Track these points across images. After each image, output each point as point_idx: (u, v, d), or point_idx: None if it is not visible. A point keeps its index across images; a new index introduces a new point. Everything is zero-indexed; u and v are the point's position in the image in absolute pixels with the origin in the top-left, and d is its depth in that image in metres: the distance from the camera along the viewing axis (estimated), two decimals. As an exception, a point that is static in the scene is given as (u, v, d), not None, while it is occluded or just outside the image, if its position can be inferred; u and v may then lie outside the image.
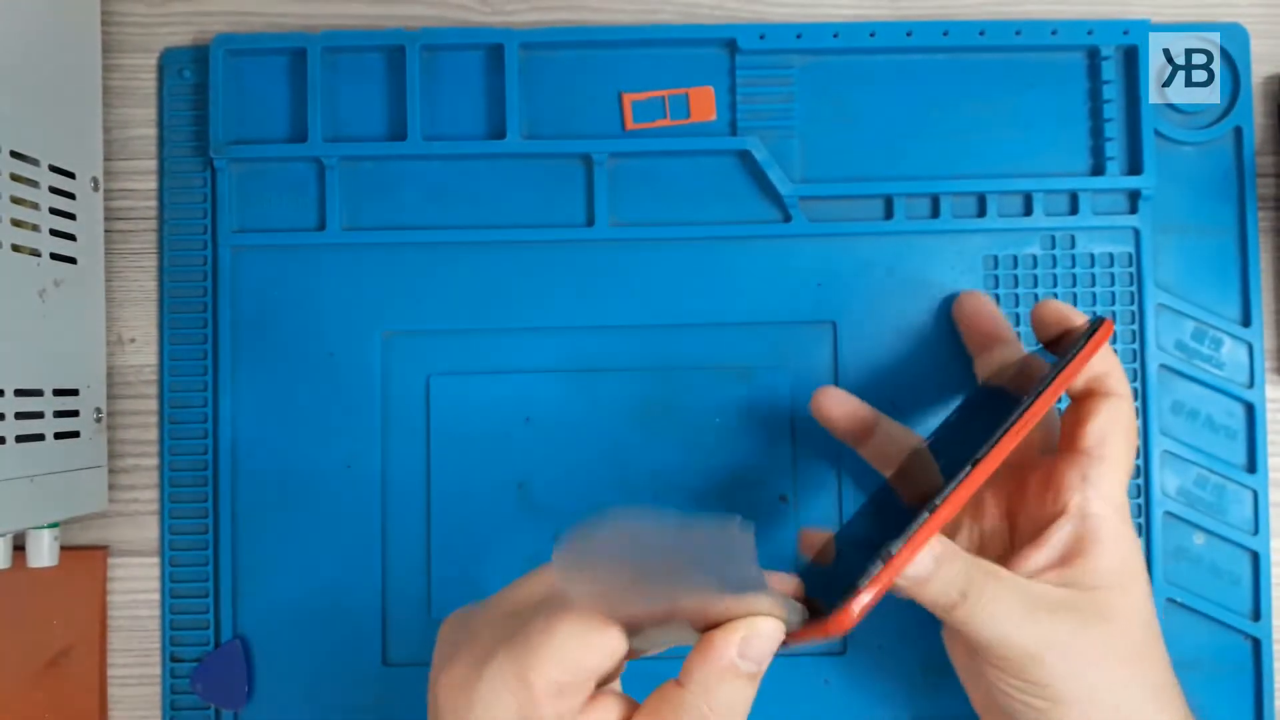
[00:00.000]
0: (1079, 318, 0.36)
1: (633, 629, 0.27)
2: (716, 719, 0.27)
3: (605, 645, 0.26)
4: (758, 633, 0.27)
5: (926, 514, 0.29)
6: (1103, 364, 0.34)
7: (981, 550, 0.35)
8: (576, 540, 0.25)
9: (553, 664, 0.26)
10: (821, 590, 0.30)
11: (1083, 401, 0.35)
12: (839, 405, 0.39)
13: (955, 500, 0.29)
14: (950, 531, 0.37)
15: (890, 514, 0.34)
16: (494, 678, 0.26)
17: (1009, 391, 0.35)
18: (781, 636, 0.27)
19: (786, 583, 0.30)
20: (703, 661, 0.27)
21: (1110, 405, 0.34)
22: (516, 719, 0.26)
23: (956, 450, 0.33)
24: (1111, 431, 0.34)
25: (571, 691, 0.26)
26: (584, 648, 0.26)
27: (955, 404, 0.40)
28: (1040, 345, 0.38)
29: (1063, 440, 0.35)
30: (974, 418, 0.36)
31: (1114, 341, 0.42)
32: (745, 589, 0.26)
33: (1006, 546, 0.36)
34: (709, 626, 0.27)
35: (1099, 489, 0.33)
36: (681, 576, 0.26)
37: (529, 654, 0.26)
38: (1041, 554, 0.33)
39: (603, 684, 0.29)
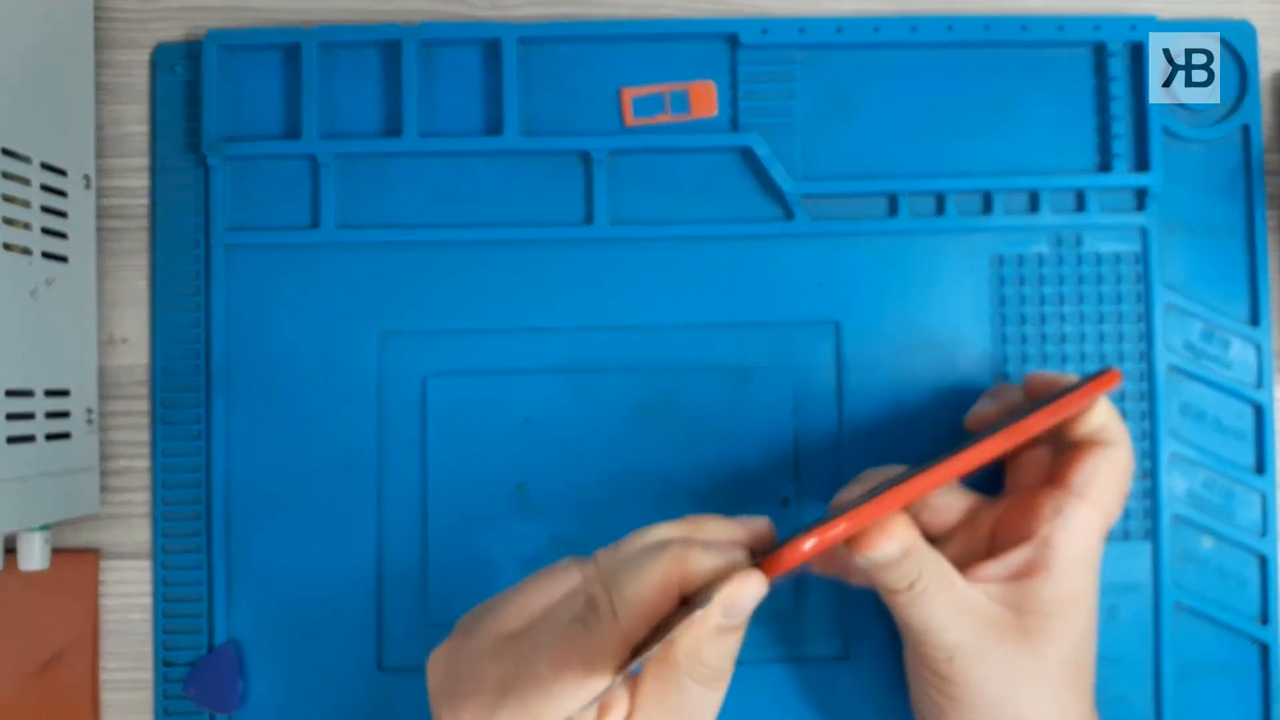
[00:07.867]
0: (1069, 379, 0.37)
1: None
2: (708, 670, 0.30)
3: (601, 686, 0.29)
4: (738, 593, 0.29)
5: (886, 487, 0.31)
6: (1102, 415, 0.35)
7: (962, 558, 0.36)
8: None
9: (562, 709, 0.28)
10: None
11: (1081, 446, 0.36)
12: None
13: (916, 483, 0.31)
14: (943, 539, 0.38)
15: None
16: None
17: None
18: (763, 590, 0.29)
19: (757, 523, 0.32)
20: (688, 627, 0.29)
21: (1105, 452, 0.35)
22: None
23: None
24: (1099, 475, 0.35)
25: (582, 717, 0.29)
26: (588, 691, 0.28)
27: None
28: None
29: (1054, 475, 0.36)
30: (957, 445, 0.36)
31: (1120, 360, 0.42)
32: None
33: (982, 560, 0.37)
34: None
35: (1069, 524, 0.34)
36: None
37: (539, 698, 0.28)
38: (995, 567, 0.35)
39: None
